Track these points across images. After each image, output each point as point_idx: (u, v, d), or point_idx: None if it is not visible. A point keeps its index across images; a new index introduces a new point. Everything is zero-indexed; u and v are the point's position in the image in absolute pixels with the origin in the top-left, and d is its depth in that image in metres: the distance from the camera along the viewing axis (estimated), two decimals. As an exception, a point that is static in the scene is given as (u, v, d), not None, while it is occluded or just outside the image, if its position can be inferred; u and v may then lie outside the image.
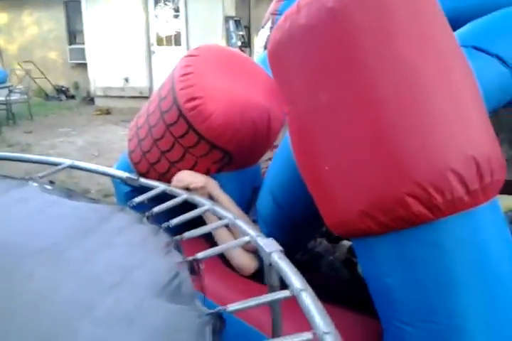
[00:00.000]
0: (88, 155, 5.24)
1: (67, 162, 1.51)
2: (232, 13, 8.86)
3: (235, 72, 1.49)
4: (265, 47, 2.06)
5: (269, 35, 2.07)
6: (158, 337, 0.73)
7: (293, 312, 0.78)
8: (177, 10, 9.09)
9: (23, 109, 8.08)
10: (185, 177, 1.38)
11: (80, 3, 9.53)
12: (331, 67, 0.95)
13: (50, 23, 11.16)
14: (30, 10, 11.22)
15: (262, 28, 2.25)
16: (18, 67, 9.90)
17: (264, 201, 1.33)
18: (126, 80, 9.44)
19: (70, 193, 1.40)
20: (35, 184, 1.39)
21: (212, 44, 1.66)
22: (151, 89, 9.32)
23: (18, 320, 0.76)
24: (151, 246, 1.04)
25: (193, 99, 1.31)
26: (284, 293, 0.75)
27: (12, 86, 8.08)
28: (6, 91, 7.69)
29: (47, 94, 10.74)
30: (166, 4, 9.25)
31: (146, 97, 9.20)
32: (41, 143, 6.14)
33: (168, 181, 1.39)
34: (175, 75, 1.38)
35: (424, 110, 0.89)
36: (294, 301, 0.74)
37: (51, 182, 1.53)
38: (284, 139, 1.26)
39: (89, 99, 9.99)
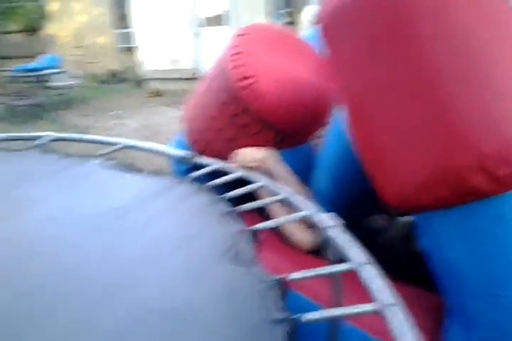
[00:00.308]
0: (142, 137, 5.37)
1: (124, 142, 1.56)
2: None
3: (283, 50, 1.48)
4: (313, 24, 2.03)
5: (316, 11, 2.03)
6: (221, 300, 0.75)
7: (351, 289, 0.79)
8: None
9: (78, 93, 8.36)
10: (246, 154, 1.39)
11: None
12: (387, 38, 0.92)
13: (98, 8, 11.39)
14: (80, -4, 11.50)
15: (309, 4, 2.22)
16: (71, 52, 10.21)
17: (320, 179, 1.33)
18: (175, 62, 9.54)
19: (129, 170, 1.46)
20: (96, 161, 1.46)
21: (260, 22, 1.66)
22: (198, 70, 9.38)
23: (89, 269, 0.81)
24: (211, 214, 1.07)
25: (245, 78, 1.32)
26: (347, 265, 0.75)
27: (67, 71, 8.36)
28: (61, 76, 7.97)
29: (100, 79, 11.03)
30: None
31: (195, 79, 9.28)
32: (97, 126, 6.36)
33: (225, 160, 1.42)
34: (225, 55, 1.39)
35: (486, 79, 0.86)
36: (351, 278, 0.74)
37: (111, 160, 1.60)
38: (336, 116, 1.25)
39: (140, 82, 10.18)
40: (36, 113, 7.48)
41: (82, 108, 7.93)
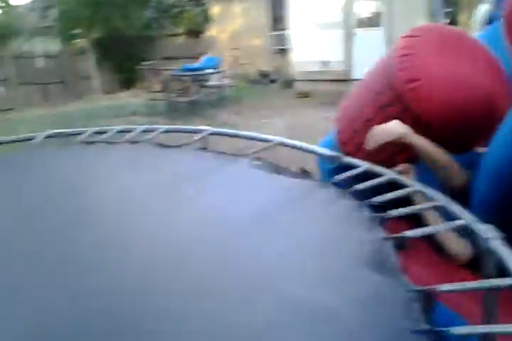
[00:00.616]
0: (289, 136, 5.48)
1: (277, 139, 1.62)
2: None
3: (456, 52, 1.40)
4: (485, 24, 1.89)
5: (489, 11, 1.90)
6: (363, 306, 0.74)
7: (505, 306, 0.72)
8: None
9: (231, 92, 8.85)
10: (384, 130, 1.33)
11: (284, -10, 9.95)
12: None
13: (255, 11, 11.90)
14: (239, 0, 12.12)
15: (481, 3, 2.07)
16: (228, 54, 10.84)
17: (483, 184, 1.23)
18: (326, 64, 9.58)
19: (278, 169, 1.50)
20: (247, 160, 1.53)
21: (432, 24, 1.60)
22: (350, 72, 9.31)
23: (237, 269, 0.86)
24: (355, 220, 1.06)
25: (413, 80, 1.28)
26: (509, 281, 0.69)
27: (223, 71, 8.90)
28: (218, 76, 8.51)
29: (251, 79, 11.55)
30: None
31: (345, 80, 9.22)
32: (247, 124, 6.67)
33: (376, 162, 1.39)
34: (393, 56, 1.37)
35: None
36: (507, 295, 0.68)
37: (260, 159, 1.67)
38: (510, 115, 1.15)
39: (290, 83, 10.43)
40: (193, 110, 8.10)
41: (234, 106, 8.39)
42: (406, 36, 1.41)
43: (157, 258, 0.94)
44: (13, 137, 2.13)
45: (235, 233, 1.04)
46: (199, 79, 8.75)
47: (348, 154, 1.49)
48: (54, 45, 13.97)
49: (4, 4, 13.44)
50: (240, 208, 1.17)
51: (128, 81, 13.92)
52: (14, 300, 0.77)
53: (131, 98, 11.06)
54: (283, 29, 10.95)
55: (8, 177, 1.55)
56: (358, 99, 1.50)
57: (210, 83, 8.74)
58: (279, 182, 1.37)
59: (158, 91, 8.07)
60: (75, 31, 14.17)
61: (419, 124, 1.31)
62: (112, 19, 12.75)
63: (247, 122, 6.86)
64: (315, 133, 5.56)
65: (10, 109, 11.53)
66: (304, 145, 1.58)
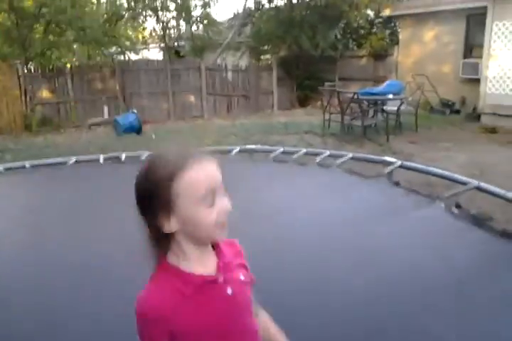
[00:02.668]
0: (468, 174, 5.11)
1: (474, 182, 1.49)
2: None
3: None
4: None
5: None
6: None
7: None
8: None
9: (409, 119, 8.54)
10: None
11: (484, 16, 9.31)
12: None
13: (448, 37, 11.34)
14: (433, 24, 11.67)
15: None
16: (412, 79, 10.49)
17: None
18: (522, 98, 8.72)
19: (477, 222, 1.37)
20: (442, 204, 1.44)
21: None
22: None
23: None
24: None
25: None
26: None
27: (405, 97, 8.64)
28: (397, 102, 8.28)
29: (432, 107, 11.00)
30: None
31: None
32: (422, 155, 6.36)
33: None
34: None
35: None
36: None
37: (458, 206, 1.55)
38: None
39: (475, 116, 9.70)
40: (367, 134, 8.00)
41: (412, 135, 8.07)
42: None
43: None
44: (213, 148, 2.30)
45: (426, 304, 0.97)
46: (378, 103, 8.63)
47: None
48: (243, 60, 15.05)
49: (208, 22, 14.89)
50: (432, 269, 1.09)
51: (305, 99, 14.36)
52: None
53: (306, 116, 11.37)
54: (476, 57, 10.25)
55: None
56: None
57: (388, 108, 8.55)
58: (480, 240, 1.25)
59: (335, 113, 8.15)
60: (265, 48, 15.11)
61: None
62: (300, 39, 13.30)
63: (424, 153, 6.53)
64: (497, 174, 5.07)
65: (199, 116, 12.73)
66: (506, 192, 1.43)
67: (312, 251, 1.17)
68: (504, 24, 8.97)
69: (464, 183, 1.51)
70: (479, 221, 1.35)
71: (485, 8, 9.23)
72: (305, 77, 14.27)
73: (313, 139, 7.98)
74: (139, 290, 0.81)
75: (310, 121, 10.00)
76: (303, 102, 14.41)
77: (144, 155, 1.93)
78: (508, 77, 8.99)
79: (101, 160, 1.82)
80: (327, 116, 8.34)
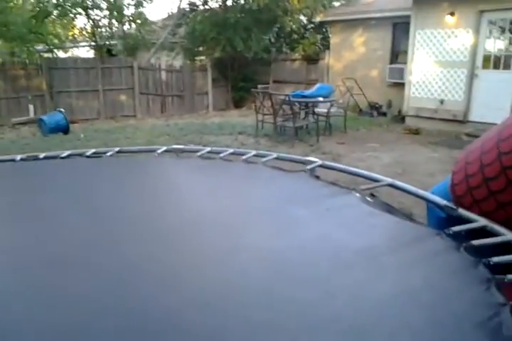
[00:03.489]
0: (392, 173, 5.38)
1: (388, 180, 1.60)
2: None
3: None
4: None
5: None
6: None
7: None
8: (512, 30, 8.45)
9: (339, 121, 8.85)
10: None
11: (409, 24, 9.82)
12: None
13: (376, 43, 11.85)
14: (362, 31, 12.15)
15: None
16: (341, 83, 10.87)
17: None
18: (441, 102, 9.27)
19: (388, 208, 1.48)
20: (358, 194, 1.52)
21: None
22: (466, 113, 8.92)
23: (332, 306, 0.86)
24: (469, 277, 1.02)
25: None
26: None
27: (334, 100, 8.93)
28: (328, 104, 8.56)
29: (361, 110, 11.46)
30: (500, 26, 8.69)
31: (459, 121, 8.85)
32: (350, 155, 6.62)
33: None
34: None
35: None
36: None
37: (372, 195, 1.65)
38: None
39: (400, 118, 10.20)
40: (299, 135, 8.20)
41: (341, 136, 8.37)
42: None
43: (251, 277, 0.97)
44: (139, 147, 2.31)
45: (339, 267, 1.04)
46: (309, 105, 8.86)
47: (462, 207, 1.43)
48: (178, 61, 14.94)
49: (141, 21, 14.67)
50: (346, 242, 1.17)
51: (239, 100, 14.48)
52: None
53: (239, 117, 11.48)
54: (401, 63, 10.79)
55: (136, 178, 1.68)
56: (480, 156, 1.44)
57: (319, 110, 8.81)
58: (389, 222, 1.35)
59: (268, 114, 8.29)
60: (199, 49, 15.08)
61: None
62: (235, 41, 13.40)
63: (351, 154, 6.80)
64: (419, 172, 5.39)
65: (132, 116, 12.48)
66: (417, 190, 1.55)
67: (233, 231, 1.21)
68: (426, 32, 9.51)
69: (379, 181, 1.61)
70: (391, 207, 1.45)
71: (409, 17, 9.75)
72: (240, 79, 14.40)
73: (247, 140, 8.07)
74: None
75: (244, 122, 10.10)
76: (238, 103, 14.53)
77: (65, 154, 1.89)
78: (430, 82, 9.53)
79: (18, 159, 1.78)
80: (260, 118, 8.47)
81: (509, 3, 8.13)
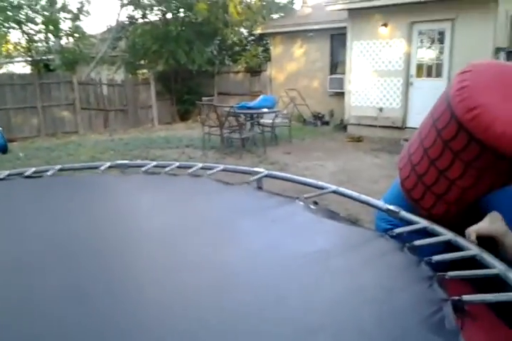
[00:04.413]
0: (337, 180, 5.51)
1: (332, 187, 1.64)
2: (504, 44, 8.22)
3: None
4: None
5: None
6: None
7: None
8: (441, 40, 8.91)
9: (284, 131, 8.98)
10: (477, 230, 1.33)
11: (345, 36, 10.16)
12: None
13: (315, 54, 12.17)
14: (301, 42, 12.45)
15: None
16: (284, 93, 11.06)
17: None
18: (381, 110, 9.62)
19: (331, 215, 1.52)
20: (301, 203, 1.56)
21: (484, 60, 1.65)
22: (404, 120, 9.30)
23: (284, 307, 0.87)
24: (413, 275, 1.06)
25: (473, 108, 1.32)
26: None
27: (279, 111, 9.07)
28: (272, 115, 8.68)
29: (305, 119, 11.69)
30: (430, 36, 9.16)
31: (398, 128, 9.21)
32: (297, 164, 6.72)
33: (449, 202, 1.39)
34: (450, 92, 1.42)
35: None
36: None
37: (315, 203, 1.69)
38: None
39: (343, 127, 10.49)
40: (246, 146, 8.25)
41: (287, 146, 8.48)
42: (460, 73, 1.47)
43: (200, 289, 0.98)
44: (82, 164, 2.25)
45: (287, 274, 1.06)
46: (254, 117, 8.95)
47: (415, 201, 1.50)
48: (119, 75, 14.71)
49: (79, 35, 14.37)
50: (294, 248, 1.20)
51: (185, 113, 14.41)
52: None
53: (186, 130, 11.41)
54: (341, 73, 11.13)
55: (76, 198, 1.64)
56: (420, 143, 1.52)
57: (264, 121, 8.92)
58: (334, 228, 1.38)
59: (214, 126, 8.30)
60: (141, 62, 14.92)
61: (486, 152, 1.32)
62: (177, 54, 13.37)
63: (298, 163, 6.90)
64: (364, 179, 5.56)
65: (73, 132, 12.13)
66: (360, 195, 1.60)
67: (181, 245, 1.21)
68: (362, 43, 9.87)
69: (324, 188, 1.65)
70: (334, 214, 1.49)
71: (345, 28, 10.09)
72: (184, 92, 14.34)
73: (194, 153, 8.03)
74: None
75: (191, 134, 10.06)
76: (183, 116, 14.45)
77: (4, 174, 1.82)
78: (368, 91, 9.87)
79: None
80: (206, 130, 8.46)
81: (437, 15, 8.60)
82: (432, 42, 9.22)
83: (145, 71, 14.94)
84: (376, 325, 0.86)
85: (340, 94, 10.86)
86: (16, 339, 0.80)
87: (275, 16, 16.03)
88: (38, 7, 13.22)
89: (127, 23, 15.21)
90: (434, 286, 0.99)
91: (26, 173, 1.83)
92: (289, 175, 1.91)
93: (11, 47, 15.78)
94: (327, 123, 11.56)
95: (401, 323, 0.88)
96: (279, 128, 8.89)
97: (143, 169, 1.86)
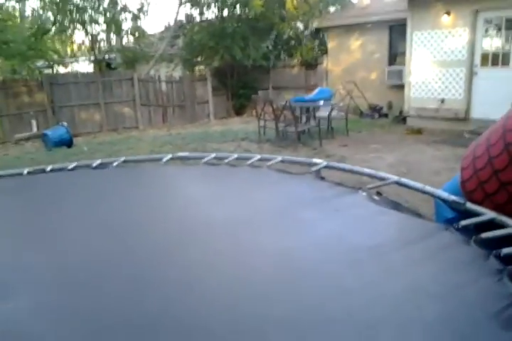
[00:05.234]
0: (397, 172, 5.37)
1: (394, 177, 1.61)
2: None
3: None
4: None
5: None
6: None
7: None
8: (509, 28, 8.47)
9: (340, 124, 8.86)
10: None
11: (405, 26, 9.86)
12: None
13: (373, 46, 11.89)
14: (358, 35, 12.20)
15: None
16: (341, 86, 10.90)
17: None
18: (442, 101, 9.28)
19: (395, 206, 1.49)
20: (364, 193, 1.54)
21: None
22: (467, 111, 8.93)
23: (342, 303, 0.87)
24: (482, 269, 1.02)
25: None
26: None
27: (335, 104, 8.96)
28: (328, 108, 8.58)
29: (361, 112, 11.47)
30: (496, 24, 8.73)
31: (461, 119, 8.85)
32: (354, 157, 6.61)
33: (506, 214, 1.33)
34: None
35: None
36: None
37: (379, 194, 1.66)
38: None
39: (402, 119, 10.21)
40: (302, 139, 8.21)
41: (343, 139, 8.37)
42: None
43: (269, 279, 0.98)
44: (145, 156, 2.32)
45: (350, 266, 1.05)
46: (310, 110, 8.89)
47: (475, 203, 1.44)
48: (177, 72, 15.02)
49: (139, 35, 14.80)
50: (357, 240, 1.18)
51: (240, 108, 14.53)
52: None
53: (242, 124, 11.51)
54: (399, 64, 10.83)
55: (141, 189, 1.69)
56: (487, 149, 1.45)
57: (320, 114, 8.83)
58: (398, 219, 1.36)
59: (269, 120, 8.32)
60: (197, 59, 15.17)
61: None
62: (233, 49, 13.48)
63: (355, 155, 6.80)
64: (424, 171, 5.39)
65: (134, 127, 12.54)
66: (424, 186, 1.55)
67: (246, 234, 1.22)
68: (422, 33, 9.54)
69: (385, 179, 1.62)
70: (398, 205, 1.46)
71: (405, 19, 9.79)
72: (240, 87, 14.45)
73: (250, 146, 8.09)
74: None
75: (246, 128, 10.13)
76: (239, 111, 14.58)
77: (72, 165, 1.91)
78: (429, 82, 9.55)
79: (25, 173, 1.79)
80: (262, 123, 8.49)
81: (503, 2, 8.17)
82: (499, 30, 8.77)
83: (202, 67, 15.17)
84: (442, 320, 0.84)
85: (399, 86, 10.57)
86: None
87: (332, 9, 15.78)
88: (100, 9, 13.69)
89: (185, 21, 15.50)
90: (504, 280, 0.95)
91: (93, 164, 1.92)
92: (348, 166, 1.88)
93: (75, 47, 16.50)
94: (385, 115, 11.29)
95: (469, 319, 0.85)
96: (335, 121, 8.78)
97: (203, 161, 1.90)
